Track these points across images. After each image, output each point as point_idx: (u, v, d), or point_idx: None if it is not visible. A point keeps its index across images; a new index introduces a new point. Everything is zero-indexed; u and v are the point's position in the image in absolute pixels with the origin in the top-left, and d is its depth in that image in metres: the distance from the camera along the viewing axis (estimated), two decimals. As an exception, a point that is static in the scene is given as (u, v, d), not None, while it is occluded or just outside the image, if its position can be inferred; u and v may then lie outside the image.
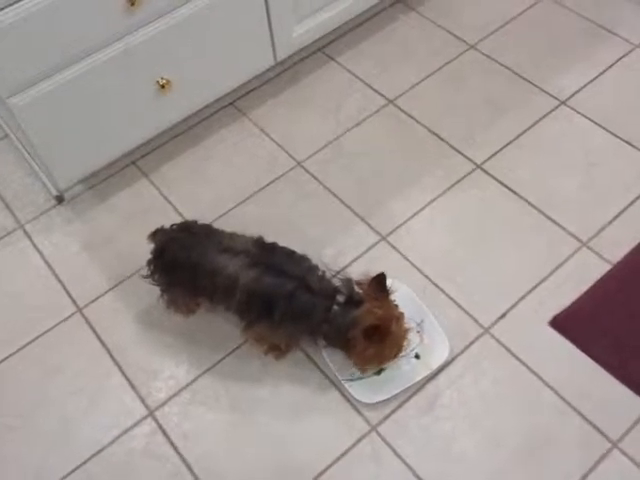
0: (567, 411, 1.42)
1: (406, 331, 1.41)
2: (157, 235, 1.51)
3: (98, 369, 1.56)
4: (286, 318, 1.37)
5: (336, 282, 1.41)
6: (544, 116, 1.89)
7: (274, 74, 2.08)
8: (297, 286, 1.36)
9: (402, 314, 1.40)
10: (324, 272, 1.42)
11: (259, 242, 1.44)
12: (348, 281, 1.39)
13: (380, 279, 1.38)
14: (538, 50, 2.06)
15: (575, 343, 1.50)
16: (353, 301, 1.36)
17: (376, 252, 1.68)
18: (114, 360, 1.57)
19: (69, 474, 1.42)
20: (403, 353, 1.44)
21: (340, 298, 1.36)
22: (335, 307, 1.36)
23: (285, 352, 1.53)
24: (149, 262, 1.50)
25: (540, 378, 1.46)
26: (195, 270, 1.42)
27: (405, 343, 1.42)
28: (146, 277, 1.51)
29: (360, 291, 1.38)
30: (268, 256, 1.41)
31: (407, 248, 1.68)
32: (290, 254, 1.44)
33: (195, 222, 1.54)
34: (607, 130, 1.84)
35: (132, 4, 1.50)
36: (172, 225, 1.52)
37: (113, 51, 1.56)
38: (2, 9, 1.35)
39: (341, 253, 1.68)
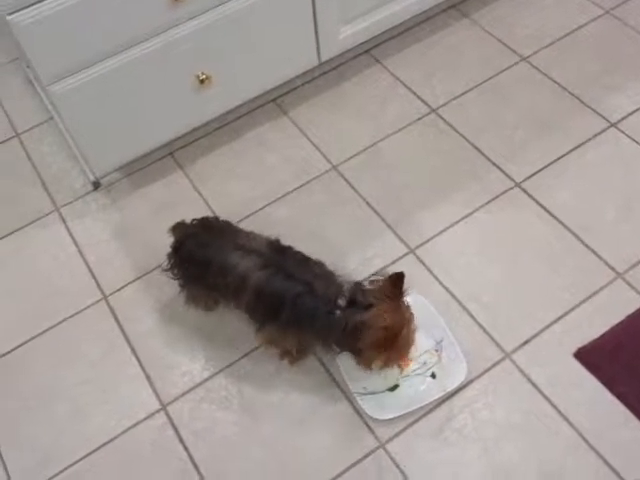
0: (583, 447, 1.37)
1: (414, 333, 1.37)
2: (177, 229, 1.53)
3: (116, 358, 1.58)
4: (292, 321, 1.37)
5: (346, 285, 1.38)
6: (591, 138, 1.83)
7: (318, 73, 2.06)
8: (303, 290, 1.35)
9: (412, 315, 1.37)
10: (338, 277, 1.40)
11: (274, 244, 1.44)
12: (355, 284, 1.37)
13: (397, 278, 1.34)
14: (592, 67, 1.98)
15: (599, 378, 1.45)
16: (358, 304, 1.33)
17: (402, 264, 1.65)
18: (133, 350, 1.59)
19: (77, 461, 1.45)
20: (411, 355, 1.43)
21: (341, 302, 1.34)
22: (337, 311, 1.33)
23: (297, 358, 1.52)
24: (169, 255, 1.52)
25: (558, 411, 1.42)
26: (208, 267, 1.42)
27: (413, 346, 1.39)
28: (165, 270, 1.53)
29: (372, 288, 1.35)
30: (280, 259, 1.40)
31: (434, 263, 1.65)
32: (303, 259, 1.43)
33: (216, 218, 1.55)
34: (657, 157, 1.77)
35: (176, -1, 1.50)
36: (192, 220, 1.53)
37: (154, 44, 1.56)
38: (46, -1, 1.37)
39: (366, 262, 1.65)
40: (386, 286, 1.34)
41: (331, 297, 1.35)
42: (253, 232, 1.47)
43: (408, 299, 1.37)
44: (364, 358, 1.37)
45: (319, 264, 1.42)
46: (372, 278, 1.38)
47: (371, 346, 1.31)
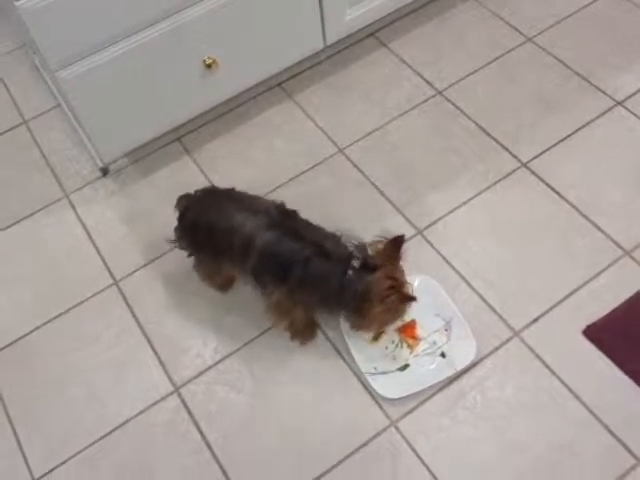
0: (593, 424, 1.39)
1: (410, 299, 1.39)
2: (181, 200, 1.53)
3: (129, 342, 1.59)
4: (303, 283, 1.37)
5: (350, 247, 1.39)
6: (598, 117, 1.83)
7: (324, 56, 2.06)
8: (314, 252, 1.35)
9: (409, 283, 1.38)
10: (340, 238, 1.40)
11: (280, 207, 1.44)
12: (362, 246, 1.38)
13: (398, 242, 1.37)
14: (598, 46, 1.98)
15: (607, 355, 1.46)
16: (368, 266, 1.34)
17: (410, 245, 1.63)
18: (145, 334, 1.60)
19: (93, 443, 1.47)
20: (399, 319, 1.45)
21: (355, 263, 1.34)
22: (350, 272, 1.34)
23: (307, 337, 1.54)
24: (175, 229, 1.52)
25: (568, 388, 1.43)
26: (213, 229, 1.42)
27: (405, 310, 1.41)
28: (172, 242, 1.54)
29: (373, 251, 1.37)
30: (287, 220, 1.41)
31: (442, 244, 1.65)
32: (308, 223, 1.44)
33: (219, 187, 1.55)
34: (663, 135, 1.78)
35: (182, -17, 1.50)
36: (196, 190, 1.53)
37: (161, 29, 1.57)
38: (54, -16, 1.38)
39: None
40: (388, 248, 1.36)
41: (343, 258, 1.35)
42: (258, 196, 1.47)
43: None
44: (368, 317, 1.36)
45: (321, 227, 1.43)
46: (373, 240, 1.39)
47: (377, 304, 1.31)
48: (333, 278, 1.35)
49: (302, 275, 1.36)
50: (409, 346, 1.50)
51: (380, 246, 1.37)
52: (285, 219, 1.41)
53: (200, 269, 1.58)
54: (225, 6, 1.61)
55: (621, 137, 1.79)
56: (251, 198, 1.47)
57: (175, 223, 1.51)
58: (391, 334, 1.52)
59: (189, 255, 1.54)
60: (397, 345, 1.51)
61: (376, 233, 1.55)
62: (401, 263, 1.38)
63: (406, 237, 1.64)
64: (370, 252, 1.37)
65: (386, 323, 1.42)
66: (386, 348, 1.50)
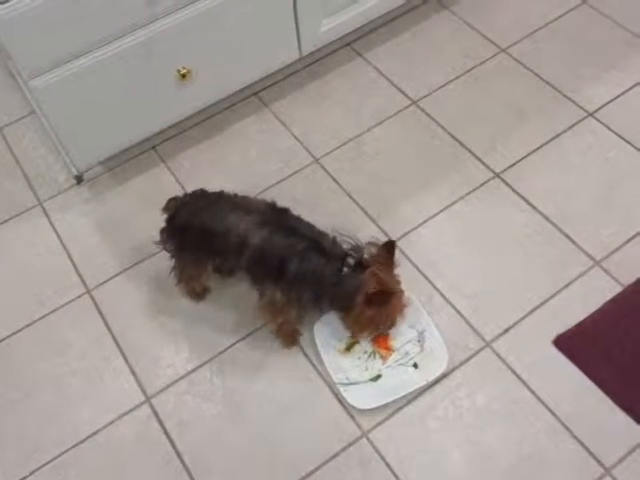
0: (563, 433, 1.40)
1: (403, 307, 1.42)
2: (169, 203, 1.53)
3: (101, 351, 1.58)
4: (298, 278, 1.37)
5: (346, 246, 1.40)
6: (569, 127, 1.85)
7: (300, 66, 2.06)
8: (309, 246, 1.36)
9: (403, 291, 1.40)
10: (335, 237, 1.42)
11: (272, 205, 1.45)
12: (357, 246, 1.39)
13: (389, 246, 1.38)
14: (570, 58, 2.01)
15: (577, 365, 1.47)
16: (362, 265, 1.36)
17: (385, 256, 1.66)
18: (117, 343, 1.59)
19: (64, 452, 1.45)
20: (395, 326, 1.47)
21: (351, 260, 1.36)
22: (345, 269, 1.35)
23: (289, 342, 1.54)
24: (162, 230, 1.51)
25: (538, 397, 1.44)
26: (206, 230, 1.42)
27: (400, 317, 1.44)
28: (158, 243, 1.53)
29: (367, 255, 1.38)
30: (280, 217, 1.42)
31: (416, 254, 1.66)
32: (301, 220, 1.44)
33: (206, 190, 1.54)
34: (634, 147, 1.79)
35: (155, -7, 1.50)
36: (185, 193, 1.54)
37: (135, 39, 1.56)
38: (25, -7, 1.37)
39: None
40: (380, 253, 1.37)
41: (339, 255, 1.37)
42: (249, 196, 1.48)
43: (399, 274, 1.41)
44: (353, 315, 1.38)
45: (313, 225, 1.44)
46: (368, 242, 1.40)
47: (365, 301, 1.33)
48: (329, 274, 1.36)
49: (297, 270, 1.36)
50: (381, 357, 1.51)
51: (373, 250, 1.39)
52: (278, 216, 1.42)
53: (180, 273, 1.57)
54: (199, 17, 1.61)
55: (592, 148, 1.81)
56: (242, 198, 1.47)
57: (156, 229, 1.50)
58: (364, 344, 1.52)
59: (172, 257, 1.53)
60: (370, 355, 1.51)
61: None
62: (395, 271, 1.40)
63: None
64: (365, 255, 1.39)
65: (370, 325, 1.42)
66: (358, 358, 1.51)
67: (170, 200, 1.54)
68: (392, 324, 1.46)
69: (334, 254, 1.37)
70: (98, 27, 1.50)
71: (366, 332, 1.46)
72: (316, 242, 1.37)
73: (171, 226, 1.49)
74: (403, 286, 1.42)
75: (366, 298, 1.33)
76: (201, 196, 1.51)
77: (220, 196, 1.49)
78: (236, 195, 1.49)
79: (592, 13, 2.10)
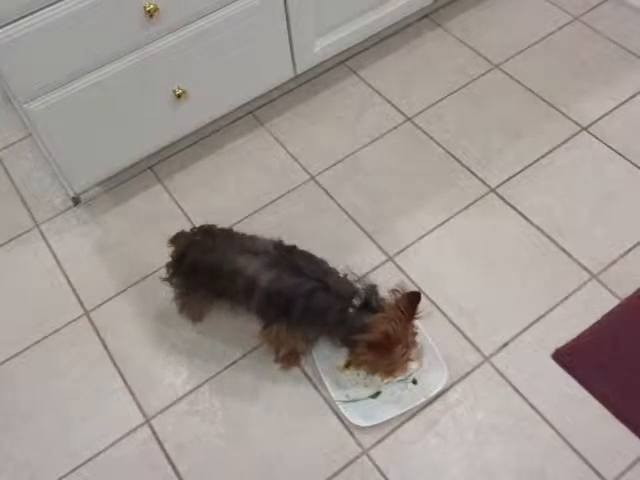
0: (563, 447, 1.40)
1: (407, 361, 1.40)
2: (178, 239, 1.52)
3: (99, 373, 1.58)
4: (304, 317, 1.38)
5: (358, 286, 1.40)
6: (564, 142, 1.86)
7: (295, 85, 2.08)
8: (316, 286, 1.37)
9: (415, 343, 1.39)
10: (345, 275, 1.43)
11: (278, 244, 1.45)
12: (370, 287, 1.39)
13: (413, 297, 1.36)
14: (563, 73, 2.02)
15: (576, 378, 1.47)
16: (370, 307, 1.35)
17: (382, 272, 1.67)
18: (116, 365, 1.59)
19: (64, 476, 1.45)
20: (394, 380, 1.45)
21: (356, 301, 1.36)
22: (350, 310, 1.35)
23: (290, 363, 1.54)
24: (169, 265, 1.52)
25: (538, 412, 1.44)
26: (216, 272, 1.43)
27: (400, 373, 1.41)
28: (165, 280, 1.53)
29: (389, 299, 1.37)
30: (287, 257, 1.42)
31: (413, 270, 1.67)
32: (309, 256, 1.45)
33: (215, 226, 1.54)
34: (628, 160, 1.81)
35: (150, 16, 1.51)
36: (192, 228, 1.54)
37: (130, 61, 1.57)
38: (21, 18, 1.38)
39: (346, 270, 1.66)
40: (401, 300, 1.36)
41: (346, 295, 1.37)
42: (255, 235, 1.48)
43: (419, 325, 1.40)
44: (355, 355, 1.37)
45: (323, 261, 1.44)
46: (392, 289, 1.38)
47: (365, 344, 1.32)
48: (332, 313, 1.36)
49: (304, 309, 1.37)
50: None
51: (396, 296, 1.37)
52: (286, 256, 1.42)
53: (182, 305, 1.58)
54: (194, 39, 1.63)
55: (586, 162, 1.82)
56: (250, 239, 1.48)
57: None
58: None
59: (181, 293, 1.54)
60: (369, 372, 1.51)
61: (347, 261, 1.57)
62: (416, 323, 1.39)
63: (376, 263, 1.69)
64: (385, 299, 1.37)
65: (379, 369, 1.41)
66: (357, 375, 1.50)
67: (178, 235, 1.53)
68: (391, 375, 1.43)
69: (340, 293, 1.37)
70: (93, 50, 1.51)
71: (364, 370, 1.46)
72: (322, 282, 1.37)
73: (179, 265, 1.49)
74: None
75: (368, 343, 1.32)
76: (209, 234, 1.50)
77: (229, 235, 1.50)
78: (244, 235, 1.49)
79: (584, 29, 2.12)
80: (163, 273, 1.54)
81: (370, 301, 1.36)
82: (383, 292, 1.40)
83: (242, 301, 1.46)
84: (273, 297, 1.38)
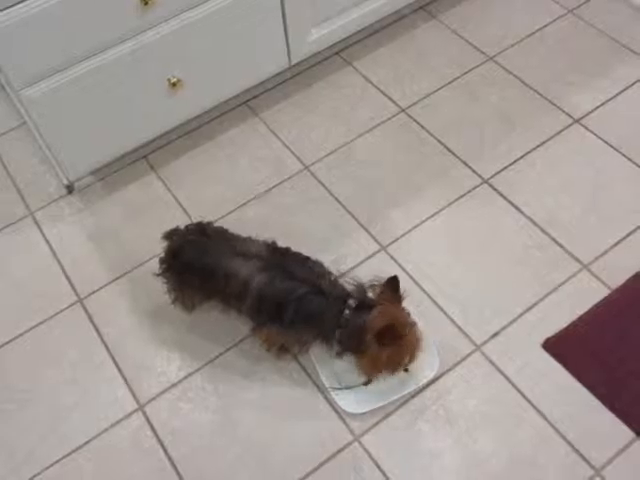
0: (552, 435, 1.41)
1: (419, 340, 1.39)
2: (172, 236, 1.52)
3: (93, 360, 1.59)
4: (296, 321, 1.37)
5: (348, 287, 1.40)
6: (556, 134, 1.87)
7: (289, 75, 2.08)
8: (308, 290, 1.36)
9: (415, 323, 1.38)
10: (336, 277, 1.43)
11: (272, 246, 1.45)
12: (360, 286, 1.39)
13: (393, 283, 1.38)
14: (557, 66, 2.03)
15: (566, 367, 1.49)
16: (365, 305, 1.36)
17: (375, 261, 1.68)
18: (109, 352, 1.60)
19: (56, 462, 1.45)
20: (415, 361, 1.43)
21: (352, 302, 1.36)
22: (347, 311, 1.35)
23: (283, 350, 1.54)
24: (162, 261, 1.52)
25: (528, 400, 1.46)
26: (208, 273, 1.43)
27: (419, 352, 1.40)
28: (158, 275, 1.53)
29: (372, 295, 1.37)
30: (280, 260, 1.41)
31: (406, 260, 1.68)
32: (303, 259, 1.45)
33: (210, 224, 1.54)
34: (619, 152, 1.82)
35: (145, 3, 1.51)
36: (187, 226, 1.53)
37: (125, 49, 1.58)
38: (17, 4, 1.38)
39: (340, 260, 1.68)
40: (385, 290, 1.37)
41: (340, 297, 1.36)
42: (250, 237, 1.48)
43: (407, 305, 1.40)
44: (368, 356, 1.36)
45: (318, 264, 1.44)
46: (370, 284, 1.39)
47: (377, 341, 1.31)
48: (329, 317, 1.36)
49: (296, 313, 1.36)
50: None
51: (377, 289, 1.38)
52: (279, 259, 1.41)
53: (175, 298, 1.57)
54: (189, 27, 1.63)
55: (579, 154, 1.83)
56: (244, 241, 1.47)
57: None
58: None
59: (173, 289, 1.54)
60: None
61: (341, 251, 1.59)
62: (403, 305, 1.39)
63: (369, 253, 1.70)
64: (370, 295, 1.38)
65: (388, 365, 1.40)
66: (350, 363, 1.51)
67: (172, 232, 1.53)
68: (412, 358, 1.41)
69: (334, 296, 1.37)
70: (88, 37, 1.51)
71: (386, 371, 1.42)
72: (315, 285, 1.37)
73: (173, 263, 1.49)
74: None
75: (378, 336, 1.32)
76: (205, 234, 1.49)
77: (223, 236, 1.49)
78: (238, 236, 1.49)
79: (578, 22, 2.13)
80: (156, 268, 1.53)
81: (364, 300, 1.36)
82: (369, 281, 1.39)
83: (234, 304, 1.46)
84: (265, 301, 1.38)
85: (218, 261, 1.42)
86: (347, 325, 1.35)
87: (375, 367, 1.40)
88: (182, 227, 1.53)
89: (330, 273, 1.43)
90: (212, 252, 1.44)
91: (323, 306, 1.36)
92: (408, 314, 1.40)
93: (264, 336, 1.49)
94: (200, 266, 1.44)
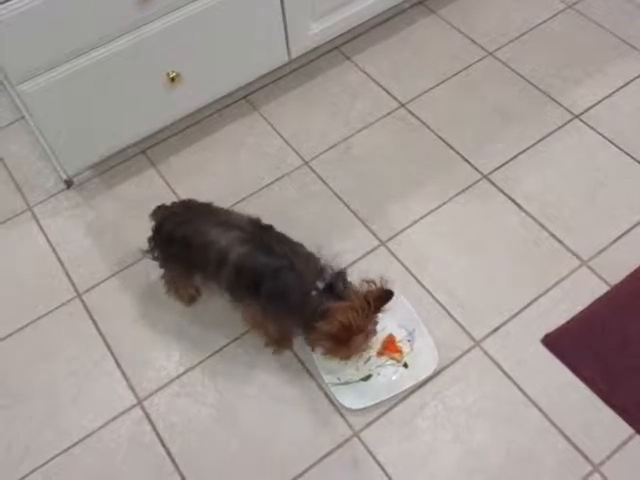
0: (551, 431, 1.41)
1: (365, 349, 1.40)
2: (157, 211, 1.53)
3: (92, 355, 1.58)
4: (270, 297, 1.36)
5: (329, 270, 1.37)
6: (556, 129, 1.87)
7: (288, 70, 2.08)
8: (282, 266, 1.35)
9: (375, 331, 1.37)
10: (318, 259, 1.40)
11: (254, 221, 1.45)
12: (340, 272, 1.37)
13: (385, 295, 1.33)
14: (557, 61, 2.03)
15: (565, 363, 1.49)
16: (335, 293, 1.33)
17: (374, 257, 1.68)
18: (108, 347, 1.59)
19: (55, 456, 1.45)
20: (350, 363, 1.48)
21: (319, 284, 1.34)
22: (313, 292, 1.34)
23: (281, 347, 1.54)
24: (149, 239, 1.52)
25: (527, 396, 1.46)
26: (189, 243, 1.42)
27: (356, 359, 1.44)
28: (146, 252, 1.53)
29: (360, 287, 1.35)
30: (261, 235, 1.41)
31: (406, 255, 1.68)
32: (284, 237, 1.44)
33: (195, 200, 1.54)
34: (619, 148, 1.82)
35: (145, -3, 1.51)
36: (173, 202, 1.54)
37: (124, 43, 1.57)
38: (14, -2, 1.38)
39: (339, 255, 1.66)
40: (372, 293, 1.32)
41: (310, 277, 1.35)
42: (234, 210, 1.48)
43: (380, 318, 1.37)
44: (312, 339, 1.36)
45: (299, 244, 1.43)
46: (366, 279, 1.36)
47: (323, 333, 1.30)
48: (295, 294, 1.35)
49: (270, 288, 1.36)
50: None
51: (368, 287, 1.34)
52: (259, 234, 1.41)
53: (168, 281, 1.59)
54: (187, 21, 1.62)
55: (578, 149, 1.83)
56: (227, 213, 1.48)
57: (146, 234, 1.50)
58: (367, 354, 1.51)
59: (160, 266, 1.54)
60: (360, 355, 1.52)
61: (340, 246, 1.58)
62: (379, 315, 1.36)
63: (369, 249, 1.70)
64: (357, 287, 1.35)
65: (334, 354, 1.39)
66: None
67: (158, 208, 1.54)
68: (346, 359, 1.43)
69: (306, 275, 1.35)
70: (87, 31, 1.51)
71: (320, 353, 1.43)
72: (290, 262, 1.36)
73: (157, 236, 1.50)
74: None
75: (326, 327, 1.29)
76: (189, 207, 1.51)
77: (207, 208, 1.49)
78: (222, 209, 1.49)
79: (578, 17, 2.13)
80: (145, 247, 1.53)
81: (336, 285, 1.34)
82: (369, 277, 1.36)
83: (213, 275, 1.44)
84: (242, 273, 1.37)
85: (198, 231, 1.42)
86: (311, 306, 1.32)
87: (314, 346, 1.40)
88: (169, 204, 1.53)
89: (311, 254, 1.41)
90: (193, 222, 1.44)
91: (292, 282, 1.35)
92: (375, 323, 1.36)
93: (252, 319, 1.48)
94: (181, 236, 1.43)
